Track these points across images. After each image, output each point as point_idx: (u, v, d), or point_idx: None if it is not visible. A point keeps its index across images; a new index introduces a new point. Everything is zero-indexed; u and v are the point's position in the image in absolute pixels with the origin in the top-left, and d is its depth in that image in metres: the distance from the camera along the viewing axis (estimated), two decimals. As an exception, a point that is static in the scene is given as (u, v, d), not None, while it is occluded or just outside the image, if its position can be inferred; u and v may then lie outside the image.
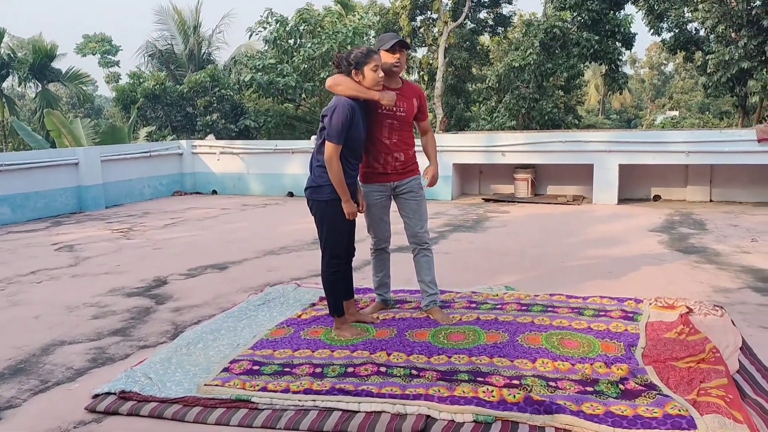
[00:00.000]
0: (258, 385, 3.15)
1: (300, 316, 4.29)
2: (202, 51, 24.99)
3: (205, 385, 3.18)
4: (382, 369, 3.29)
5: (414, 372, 3.26)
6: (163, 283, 5.52)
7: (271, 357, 3.55)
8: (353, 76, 3.72)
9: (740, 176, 10.06)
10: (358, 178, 4.05)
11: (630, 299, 4.42)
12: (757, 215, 8.57)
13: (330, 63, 15.79)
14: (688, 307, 4.12)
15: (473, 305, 4.42)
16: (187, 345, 3.78)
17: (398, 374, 3.23)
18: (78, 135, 15.40)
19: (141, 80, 20.37)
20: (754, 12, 14.14)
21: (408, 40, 22.30)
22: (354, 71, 3.70)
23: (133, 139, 17.63)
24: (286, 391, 3.08)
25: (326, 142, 3.63)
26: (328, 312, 4.06)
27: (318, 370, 3.33)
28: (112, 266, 6.25)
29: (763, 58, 14.44)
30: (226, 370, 3.38)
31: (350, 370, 3.30)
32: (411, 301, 4.55)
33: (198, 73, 20.20)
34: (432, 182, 4.14)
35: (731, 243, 6.70)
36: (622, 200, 10.20)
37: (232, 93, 19.69)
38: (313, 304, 4.56)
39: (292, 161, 11.92)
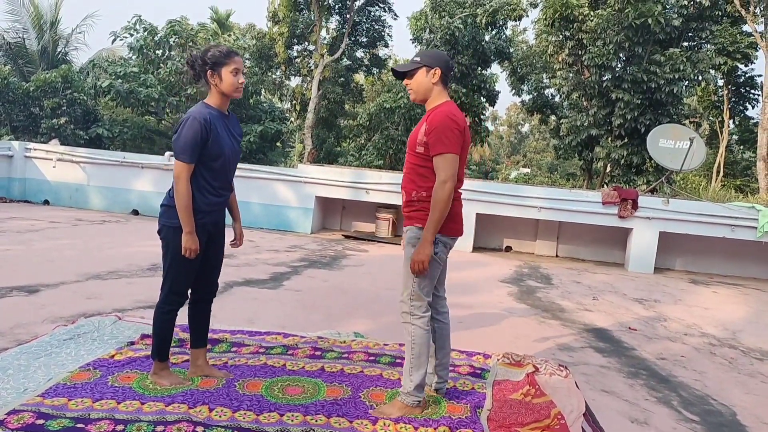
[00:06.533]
0: (37, 447, 2.53)
1: (113, 356, 3.65)
2: (58, 49, 22.91)
3: (-36, 444, 2.52)
4: (199, 429, 2.79)
5: (237, 433, 2.80)
6: (-49, 306, 4.60)
7: (64, 408, 2.91)
8: (208, 77, 3.27)
9: (584, 235, 10.67)
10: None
11: (479, 354, 4.27)
12: (597, 274, 9.03)
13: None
14: (534, 366, 4.03)
15: (318, 353, 4.04)
16: (-42, 387, 3.05)
17: (218, 436, 2.76)
18: None
19: (-20, 72, 18.18)
20: (604, 84, 15.43)
21: (283, 68, 22.10)
22: (210, 72, 3.25)
23: (-39, 135, 15.58)
24: (73, 455, 2.50)
25: (175, 160, 3.14)
26: (148, 353, 3.49)
27: (119, 428, 2.75)
28: None
29: (609, 128, 15.71)
30: (-1, 423, 2.72)
31: (159, 429, 2.76)
32: (249, 345, 4.08)
33: (49, 72, 18.39)
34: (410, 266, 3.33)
35: (575, 300, 6.91)
36: (476, 248, 10.40)
37: (86, 98, 18.16)
38: (132, 343, 3.92)
39: (142, 177, 10.98)
